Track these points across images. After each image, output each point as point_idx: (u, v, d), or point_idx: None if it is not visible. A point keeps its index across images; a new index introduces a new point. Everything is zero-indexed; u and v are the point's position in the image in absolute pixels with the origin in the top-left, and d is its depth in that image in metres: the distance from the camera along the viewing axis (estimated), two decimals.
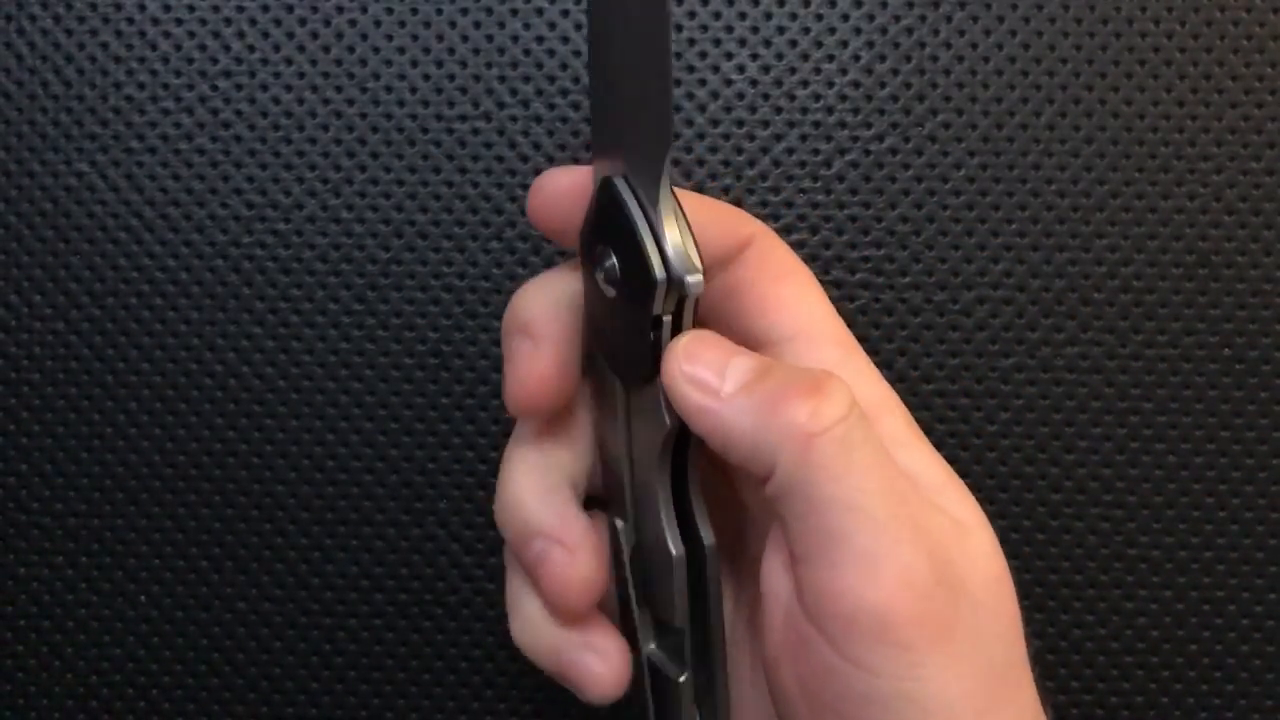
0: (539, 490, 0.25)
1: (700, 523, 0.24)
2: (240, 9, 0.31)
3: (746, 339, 0.24)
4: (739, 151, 0.31)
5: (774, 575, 0.23)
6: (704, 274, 0.22)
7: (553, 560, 0.24)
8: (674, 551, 0.24)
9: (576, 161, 0.31)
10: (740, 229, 0.25)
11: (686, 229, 0.22)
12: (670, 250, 0.22)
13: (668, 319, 0.23)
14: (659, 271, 0.22)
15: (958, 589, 0.21)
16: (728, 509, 0.26)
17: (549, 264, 0.31)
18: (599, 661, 0.24)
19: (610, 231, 0.23)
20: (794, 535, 0.21)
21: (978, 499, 0.24)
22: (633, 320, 0.23)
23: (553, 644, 0.25)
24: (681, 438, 0.24)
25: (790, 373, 0.22)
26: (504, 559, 0.26)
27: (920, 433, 0.24)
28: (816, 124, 0.31)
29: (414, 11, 0.31)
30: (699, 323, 0.23)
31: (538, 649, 0.25)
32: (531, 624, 0.25)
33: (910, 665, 0.20)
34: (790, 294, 0.25)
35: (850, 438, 0.21)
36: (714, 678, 0.25)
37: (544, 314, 0.24)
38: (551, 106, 0.31)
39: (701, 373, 0.22)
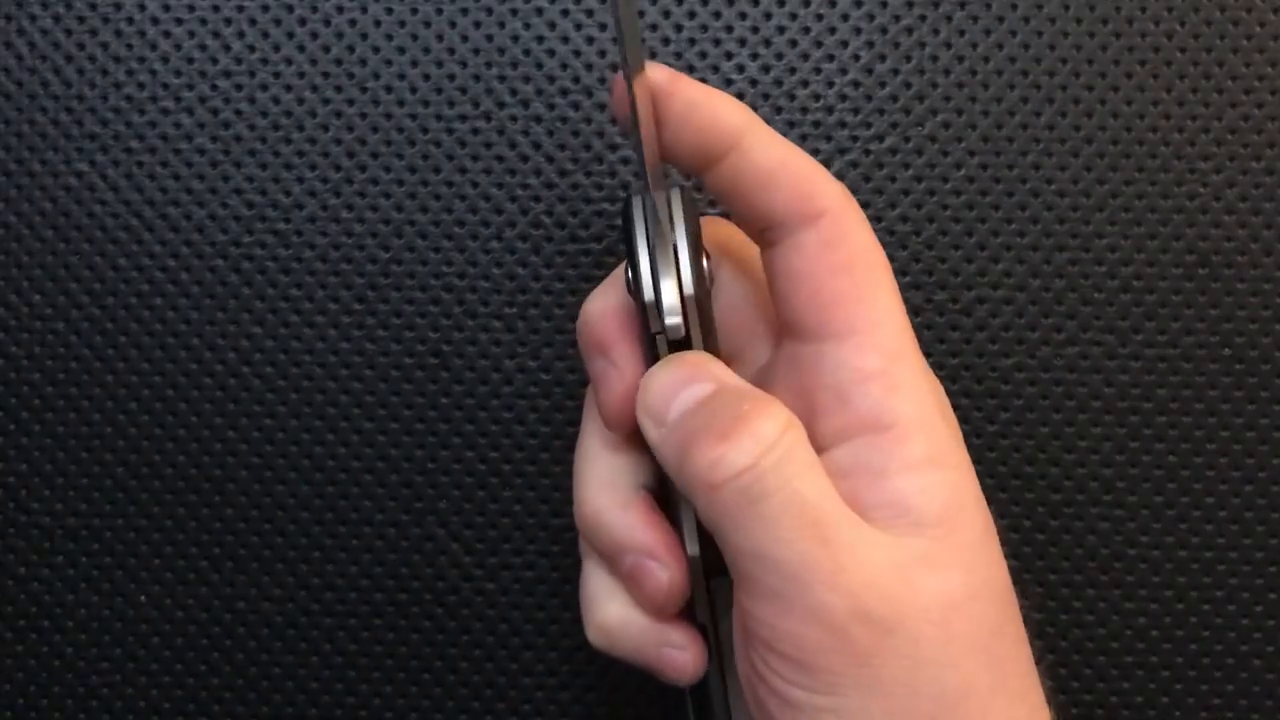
0: (619, 504, 0.26)
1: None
2: (240, 9, 0.31)
3: (798, 330, 0.24)
4: None
5: (736, 614, 0.24)
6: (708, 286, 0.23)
7: (648, 572, 0.25)
8: (689, 553, 0.25)
9: (576, 161, 0.31)
10: (811, 202, 0.24)
11: (692, 259, 0.23)
12: (662, 285, 0.23)
13: (660, 337, 0.23)
14: (648, 294, 0.23)
15: (888, 624, 0.22)
16: None
17: (549, 264, 0.31)
18: (682, 655, 0.26)
19: (626, 245, 0.24)
20: (733, 569, 0.23)
21: None
22: (643, 332, 0.23)
23: (640, 643, 0.26)
24: None
25: (716, 411, 0.23)
26: (580, 552, 0.27)
27: (952, 447, 0.24)
28: (816, 124, 0.31)
29: (414, 11, 0.31)
30: (738, 308, 0.25)
31: (624, 645, 0.26)
32: (619, 623, 0.26)
33: (826, 688, 0.22)
34: (845, 289, 0.24)
35: (755, 489, 0.22)
36: (723, 676, 0.26)
37: (612, 331, 0.25)
38: (551, 106, 0.31)
39: (653, 401, 0.23)
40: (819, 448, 0.23)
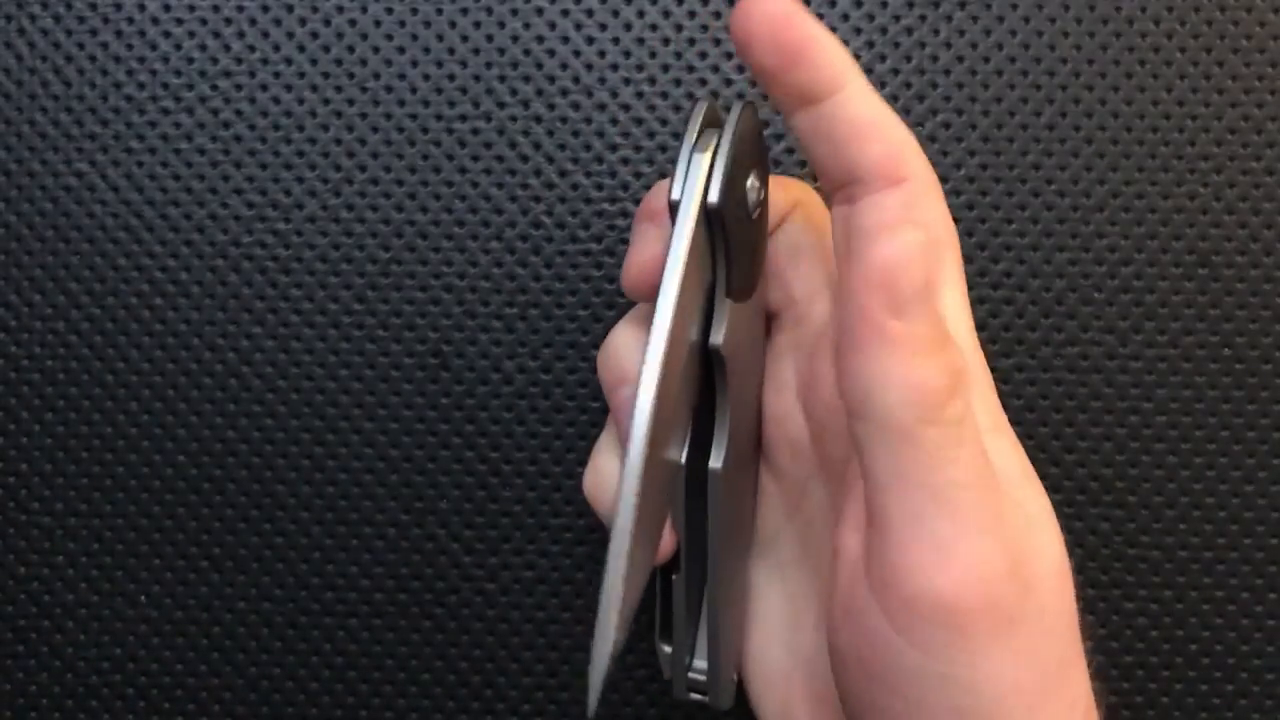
0: (639, 345, 0.25)
1: (717, 443, 0.25)
2: (240, 9, 0.31)
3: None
4: None
5: (846, 534, 0.23)
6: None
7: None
8: (677, 460, 0.25)
9: (576, 161, 0.31)
10: (900, 165, 0.23)
11: (729, 169, 0.23)
12: (684, 185, 0.23)
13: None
14: (674, 192, 0.23)
15: (1028, 584, 0.21)
16: (814, 408, 0.26)
17: (549, 264, 0.31)
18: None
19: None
20: (874, 502, 0.21)
21: None
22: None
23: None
24: (712, 358, 0.24)
25: (951, 353, 0.21)
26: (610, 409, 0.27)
27: (1004, 418, 0.23)
28: None
29: (414, 11, 0.31)
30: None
31: (602, 501, 0.26)
32: (609, 471, 0.26)
33: (967, 653, 0.20)
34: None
35: (956, 436, 0.21)
36: (711, 589, 0.26)
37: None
38: (551, 106, 0.31)
39: (901, 286, 0.21)
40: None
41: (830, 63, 0.22)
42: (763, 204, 0.24)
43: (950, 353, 0.21)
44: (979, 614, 0.20)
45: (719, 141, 0.23)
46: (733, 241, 0.23)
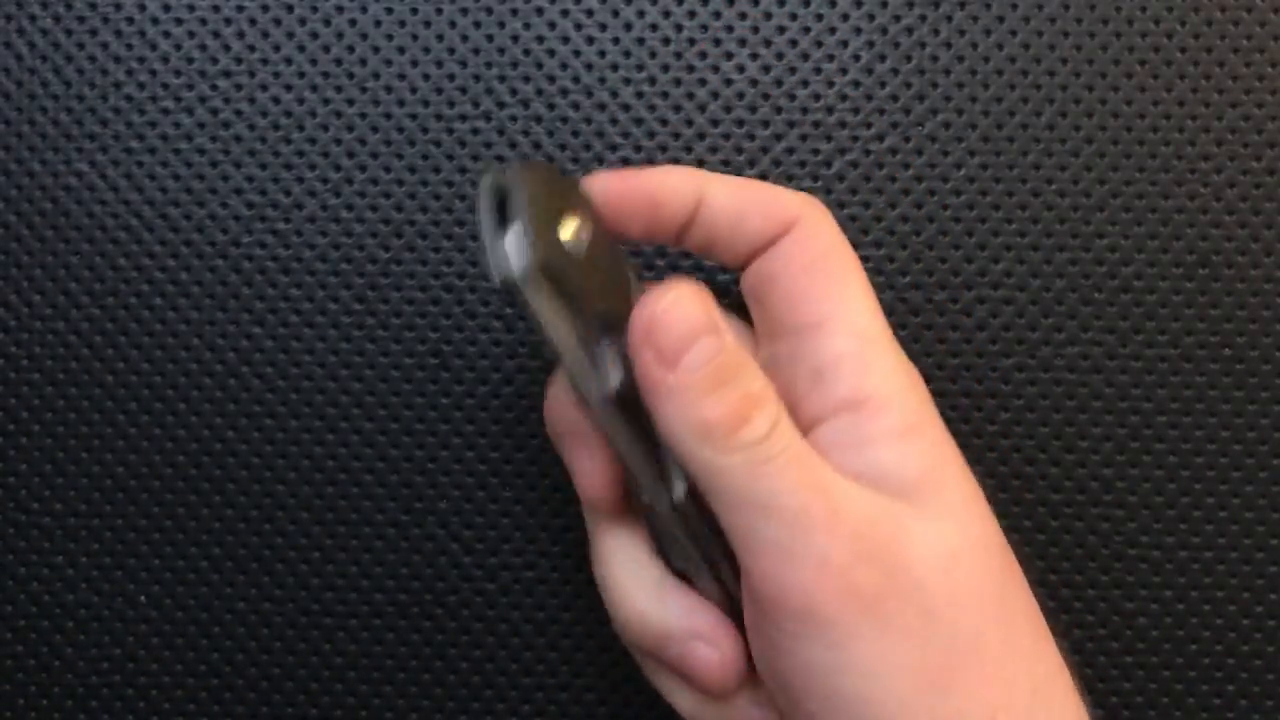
0: (650, 594, 0.26)
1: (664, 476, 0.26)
2: (240, 9, 0.31)
3: (778, 329, 0.26)
4: (739, 151, 0.31)
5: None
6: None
7: (699, 657, 0.26)
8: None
9: (576, 161, 0.31)
10: (779, 214, 0.26)
11: (530, 221, 0.22)
12: (493, 249, 0.23)
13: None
14: (489, 271, 0.23)
15: (889, 567, 0.22)
16: None
17: None
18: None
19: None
20: (726, 526, 0.23)
21: None
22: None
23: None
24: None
25: (727, 381, 0.23)
26: (590, 530, 0.28)
27: (927, 419, 0.25)
28: (816, 124, 0.31)
29: (414, 11, 0.31)
30: (737, 307, 0.26)
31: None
32: (698, 707, 0.27)
33: (839, 638, 0.22)
34: (815, 282, 0.25)
35: (762, 453, 0.23)
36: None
37: (570, 412, 0.26)
38: (551, 106, 0.31)
39: (664, 340, 0.23)
40: (801, 432, 0.24)
41: (673, 190, 0.26)
42: (591, 236, 0.24)
43: (732, 385, 0.23)
44: (835, 603, 0.22)
45: (516, 218, 0.22)
46: (576, 288, 0.23)
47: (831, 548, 0.22)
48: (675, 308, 0.23)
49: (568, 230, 0.24)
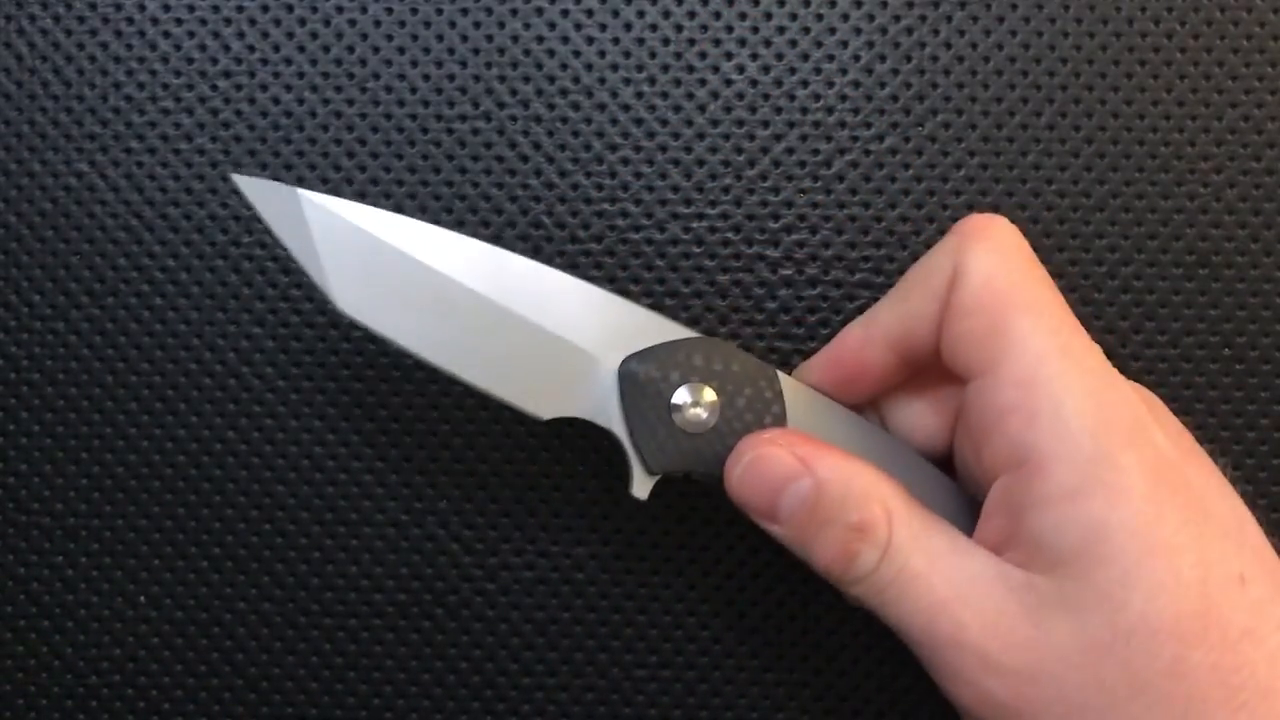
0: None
1: None
2: (240, 9, 0.31)
3: (958, 375, 0.25)
4: (739, 151, 0.31)
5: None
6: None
7: None
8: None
9: (576, 161, 0.31)
10: (938, 281, 0.25)
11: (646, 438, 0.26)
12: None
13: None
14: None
15: (1020, 673, 0.22)
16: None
17: (549, 264, 0.31)
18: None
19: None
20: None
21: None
22: None
23: None
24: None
25: (828, 519, 0.24)
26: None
27: (1100, 475, 0.22)
28: (816, 124, 0.31)
29: (414, 11, 0.31)
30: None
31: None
32: None
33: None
34: (975, 327, 0.24)
35: (877, 583, 0.23)
36: None
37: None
38: (551, 106, 0.31)
39: (755, 499, 0.25)
40: (987, 478, 0.24)
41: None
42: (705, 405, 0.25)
43: (834, 523, 0.24)
44: (973, 712, 0.23)
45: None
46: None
47: (959, 663, 0.22)
48: (754, 467, 0.24)
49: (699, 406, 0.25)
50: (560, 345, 0.25)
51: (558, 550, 0.31)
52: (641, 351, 0.25)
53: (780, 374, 0.26)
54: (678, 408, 0.25)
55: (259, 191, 0.25)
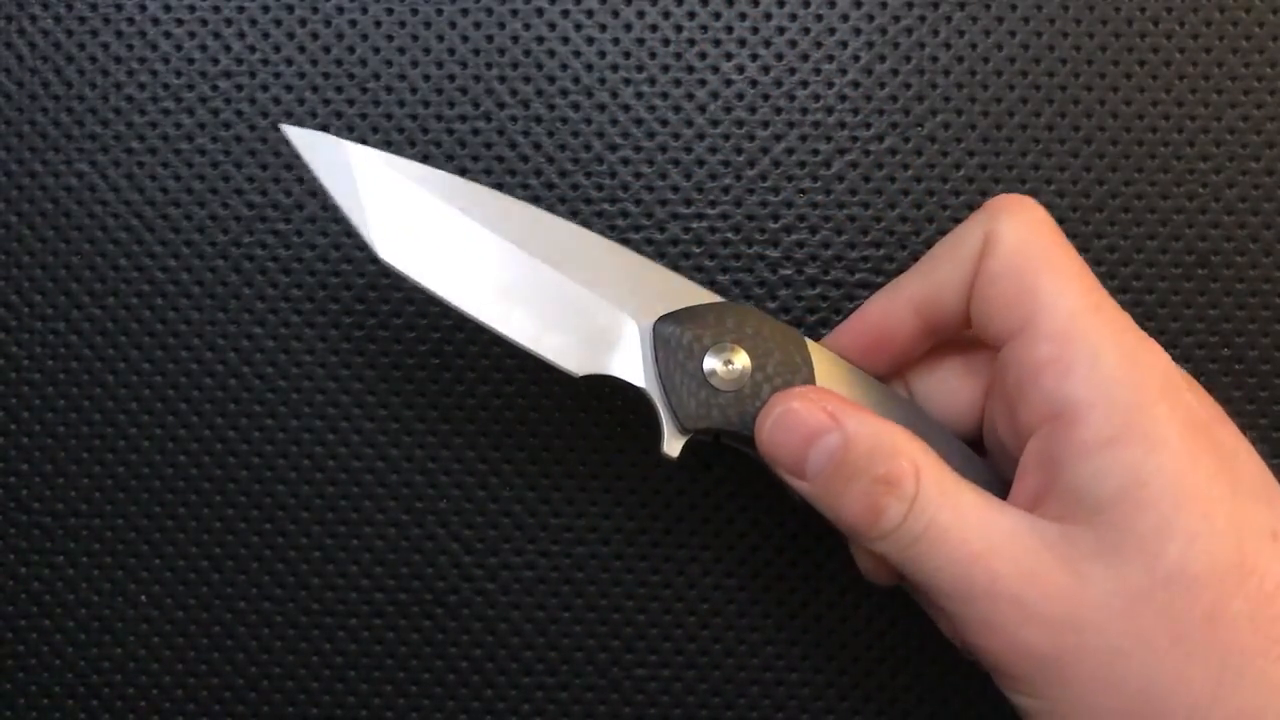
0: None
1: None
2: (240, 9, 0.32)
3: (990, 341, 0.25)
4: (739, 151, 0.31)
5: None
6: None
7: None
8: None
9: (576, 162, 0.31)
10: (970, 245, 0.25)
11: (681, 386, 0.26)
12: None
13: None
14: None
15: (1060, 622, 0.22)
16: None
17: None
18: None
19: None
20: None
21: None
22: None
23: None
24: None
25: (855, 473, 0.24)
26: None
27: (1138, 422, 0.22)
28: (816, 124, 0.31)
29: (414, 12, 0.31)
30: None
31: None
32: None
33: (1032, 693, 0.23)
34: (1009, 289, 0.24)
35: (905, 537, 0.23)
36: None
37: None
38: (551, 107, 0.31)
39: (784, 455, 0.25)
40: (1021, 441, 0.24)
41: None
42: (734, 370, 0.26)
43: (861, 477, 0.24)
44: (1012, 662, 0.23)
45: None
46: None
47: (994, 613, 0.22)
48: (784, 420, 0.24)
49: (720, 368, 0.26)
50: (595, 304, 0.26)
51: (558, 550, 0.31)
52: (675, 312, 0.26)
53: (809, 341, 0.26)
54: (709, 368, 0.26)
55: (307, 142, 0.25)
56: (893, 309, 0.26)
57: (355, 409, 0.31)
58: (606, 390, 0.31)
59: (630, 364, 0.26)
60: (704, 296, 0.26)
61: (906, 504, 0.23)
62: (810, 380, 0.26)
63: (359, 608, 0.32)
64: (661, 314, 0.26)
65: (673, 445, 0.26)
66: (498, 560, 0.31)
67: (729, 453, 0.29)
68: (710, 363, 0.25)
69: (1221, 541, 0.21)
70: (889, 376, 0.28)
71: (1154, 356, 0.23)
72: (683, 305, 0.26)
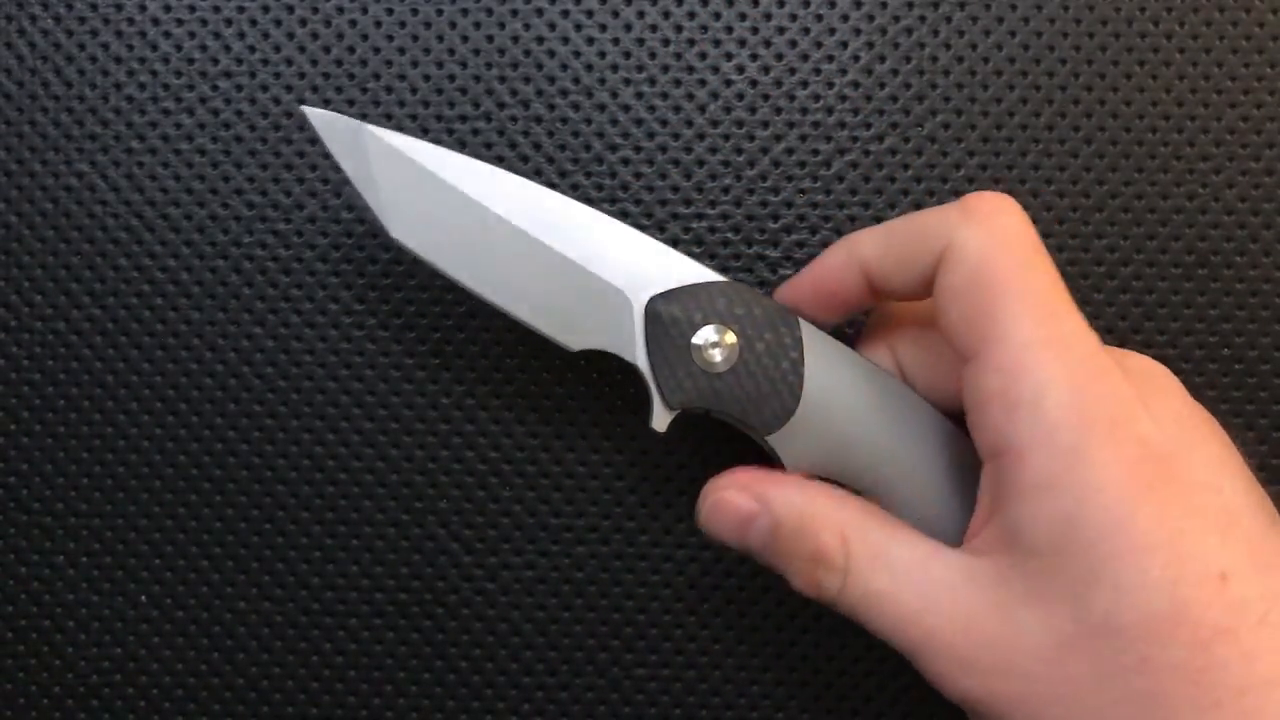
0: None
1: None
2: (240, 9, 0.32)
3: (957, 350, 0.25)
4: (739, 151, 0.31)
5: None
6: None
7: None
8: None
9: (576, 162, 0.31)
10: (926, 247, 0.24)
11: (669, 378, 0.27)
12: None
13: None
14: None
15: (991, 669, 0.23)
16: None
17: None
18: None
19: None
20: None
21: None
22: None
23: None
24: None
25: (792, 551, 0.25)
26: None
27: (1076, 463, 0.22)
28: (816, 124, 0.31)
29: (414, 12, 0.31)
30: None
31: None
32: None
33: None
34: (966, 313, 0.23)
35: (846, 604, 0.24)
36: None
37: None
38: (551, 107, 0.31)
39: (727, 535, 0.26)
40: (984, 450, 0.24)
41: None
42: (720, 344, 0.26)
43: (796, 556, 0.25)
44: (967, 704, 0.23)
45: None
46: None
47: (934, 664, 0.23)
48: (716, 511, 0.26)
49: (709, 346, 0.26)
50: (593, 281, 0.27)
51: (558, 550, 0.31)
52: (668, 292, 0.26)
53: (803, 322, 0.26)
54: (698, 348, 0.26)
55: (326, 123, 0.27)
56: (847, 273, 0.26)
57: (355, 409, 0.31)
58: (607, 390, 0.31)
59: (624, 340, 0.27)
60: (703, 275, 0.27)
61: (840, 575, 0.24)
62: (799, 363, 0.26)
63: (359, 608, 0.32)
64: (656, 292, 0.26)
65: (660, 421, 0.27)
66: (498, 560, 0.31)
67: (731, 441, 0.29)
68: (699, 341, 0.26)
69: (1153, 593, 0.21)
70: (879, 356, 0.28)
71: (1108, 390, 0.22)
72: (679, 283, 0.26)
